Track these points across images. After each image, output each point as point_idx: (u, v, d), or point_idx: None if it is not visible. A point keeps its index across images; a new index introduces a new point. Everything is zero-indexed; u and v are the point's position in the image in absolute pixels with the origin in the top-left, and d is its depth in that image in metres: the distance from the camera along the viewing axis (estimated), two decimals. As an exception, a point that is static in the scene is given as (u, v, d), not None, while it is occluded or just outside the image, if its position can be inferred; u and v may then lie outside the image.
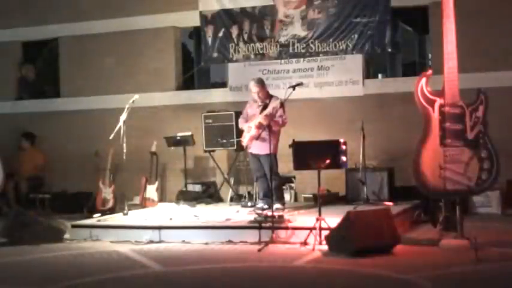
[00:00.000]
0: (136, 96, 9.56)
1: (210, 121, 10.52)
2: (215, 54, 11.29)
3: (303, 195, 10.14)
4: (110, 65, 12.01)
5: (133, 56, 11.85)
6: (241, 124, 9.24)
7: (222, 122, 10.43)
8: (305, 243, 7.15)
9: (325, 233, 7.10)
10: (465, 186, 6.93)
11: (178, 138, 10.32)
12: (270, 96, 9.12)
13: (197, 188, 10.67)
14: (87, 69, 12.26)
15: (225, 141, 10.18)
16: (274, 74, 10.98)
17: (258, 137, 8.74)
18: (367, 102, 10.47)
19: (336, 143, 7.62)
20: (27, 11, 12.54)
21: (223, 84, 11.58)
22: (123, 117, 9.27)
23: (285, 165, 8.98)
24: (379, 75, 10.80)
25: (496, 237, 7.46)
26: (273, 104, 8.70)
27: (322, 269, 6.37)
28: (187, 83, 12.04)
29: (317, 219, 7.17)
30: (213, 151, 10.70)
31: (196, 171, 11.14)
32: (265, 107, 8.92)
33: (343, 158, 7.67)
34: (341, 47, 10.46)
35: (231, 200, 10.40)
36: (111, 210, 10.07)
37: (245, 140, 9.01)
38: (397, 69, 11.07)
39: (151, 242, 7.83)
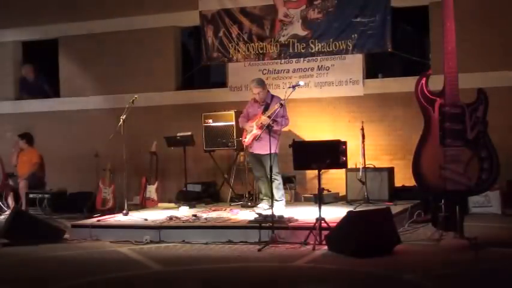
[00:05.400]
0: (136, 96, 9.56)
1: (210, 121, 10.53)
2: (215, 54, 11.30)
3: (302, 195, 10.14)
4: (110, 65, 12.01)
5: (133, 56, 11.84)
6: (242, 123, 9.26)
7: (222, 122, 10.44)
8: (305, 243, 7.15)
9: (325, 233, 7.10)
10: (465, 186, 6.93)
11: (178, 138, 10.32)
12: (271, 96, 9.15)
13: (197, 188, 10.67)
14: (87, 69, 12.27)
15: (225, 140, 10.19)
16: (274, 74, 10.97)
17: (259, 137, 8.77)
18: (367, 102, 10.47)
19: (336, 143, 7.61)
20: (27, 11, 12.54)
21: (223, 84, 11.57)
22: (123, 117, 9.27)
23: (285, 165, 8.97)
24: (379, 75, 10.80)
25: (496, 237, 7.47)
26: (275, 105, 8.72)
27: (322, 269, 6.37)
28: (187, 83, 12.05)
29: (317, 219, 7.17)
30: (213, 151, 10.70)
31: (196, 171, 11.14)
32: (266, 106, 8.95)
33: (343, 158, 7.67)
34: (341, 47, 10.47)
35: (231, 200, 10.39)
36: (111, 210, 10.07)
37: (247, 139, 9.04)
38: (397, 69, 11.06)
39: (151, 242, 7.83)
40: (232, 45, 11.13)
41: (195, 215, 8.68)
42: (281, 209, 8.67)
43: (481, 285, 5.61)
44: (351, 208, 8.09)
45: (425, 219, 8.19)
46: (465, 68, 7.72)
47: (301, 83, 9.02)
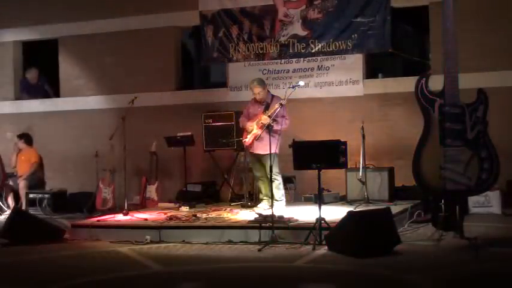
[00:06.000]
0: (136, 96, 9.56)
1: (210, 121, 10.54)
2: (215, 54, 11.30)
3: (302, 195, 10.14)
4: (110, 65, 12.01)
5: (133, 56, 11.85)
6: (243, 123, 9.27)
7: (222, 122, 10.44)
8: (305, 243, 7.15)
9: (325, 233, 7.10)
10: (465, 186, 6.93)
11: (178, 138, 10.32)
12: (271, 96, 9.16)
13: (197, 188, 10.66)
14: (87, 69, 12.27)
15: (225, 140, 10.19)
16: (274, 74, 10.98)
17: (259, 137, 8.78)
18: (367, 102, 10.47)
19: (336, 143, 7.60)
20: (27, 11, 12.54)
21: (223, 84, 11.57)
22: (123, 116, 9.27)
23: (285, 165, 8.98)
24: (379, 75, 10.80)
25: (496, 237, 7.47)
26: (276, 105, 8.72)
27: (322, 269, 6.37)
28: (187, 83, 12.04)
29: (317, 219, 7.16)
30: (213, 151, 10.70)
31: (196, 171, 11.14)
32: (267, 106, 8.95)
33: (343, 158, 7.66)
34: (341, 47, 10.47)
35: (231, 200, 10.39)
36: (111, 210, 10.07)
37: (247, 139, 9.05)
38: (397, 69, 11.06)
39: (151, 242, 7.83)
40: (232, 45, 11.13)
41: (195, 215, 8.68)
42: (281, 209, 8.67)
43: (481, 285, 5.61)
44: (351, 208, 8.08)
45: (425, 219, 8.19)
46: (465, 68, 7.71)
47: (301, 83, 9.02)
